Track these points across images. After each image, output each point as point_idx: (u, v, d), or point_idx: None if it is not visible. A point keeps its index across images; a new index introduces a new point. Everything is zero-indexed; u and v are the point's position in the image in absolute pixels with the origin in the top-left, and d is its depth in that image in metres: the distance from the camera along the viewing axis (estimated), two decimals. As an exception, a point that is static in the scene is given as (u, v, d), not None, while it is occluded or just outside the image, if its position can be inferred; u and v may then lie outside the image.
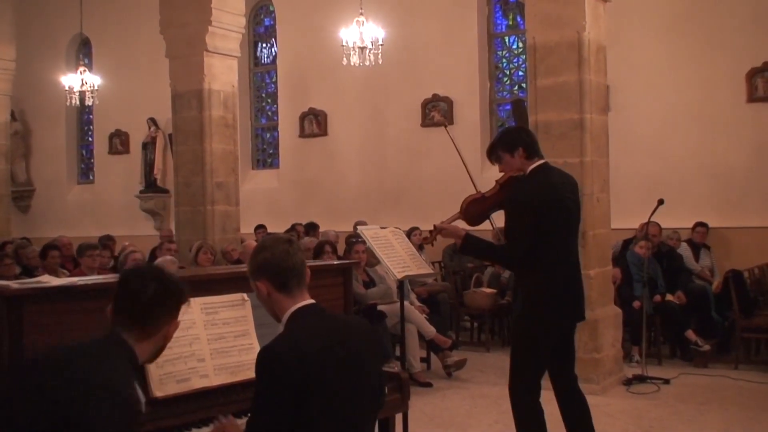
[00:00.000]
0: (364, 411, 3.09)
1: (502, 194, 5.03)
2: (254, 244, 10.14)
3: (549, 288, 4.86)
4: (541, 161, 5.03)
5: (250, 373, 3.79)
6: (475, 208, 5.16)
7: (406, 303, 7.96)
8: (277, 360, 2.83)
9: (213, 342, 3.84)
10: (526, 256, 4.82)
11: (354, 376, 2.99)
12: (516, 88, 13.52)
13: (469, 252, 5.32)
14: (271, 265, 3.07)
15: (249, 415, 2.99)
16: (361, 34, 11.72)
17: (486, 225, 5.31)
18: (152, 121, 16.19)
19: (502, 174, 5.11)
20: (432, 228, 5.22)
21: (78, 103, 14.78)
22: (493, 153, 5.12)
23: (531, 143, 5.05)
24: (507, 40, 13.75)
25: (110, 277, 5.11)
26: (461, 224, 5.21)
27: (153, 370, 3.60)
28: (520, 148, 4.98)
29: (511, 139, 5.08)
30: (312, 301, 3.11)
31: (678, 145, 11.44)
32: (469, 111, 13.24)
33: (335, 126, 14.67)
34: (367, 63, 11.84)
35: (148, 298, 2.84)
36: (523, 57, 13.01)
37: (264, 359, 2.87)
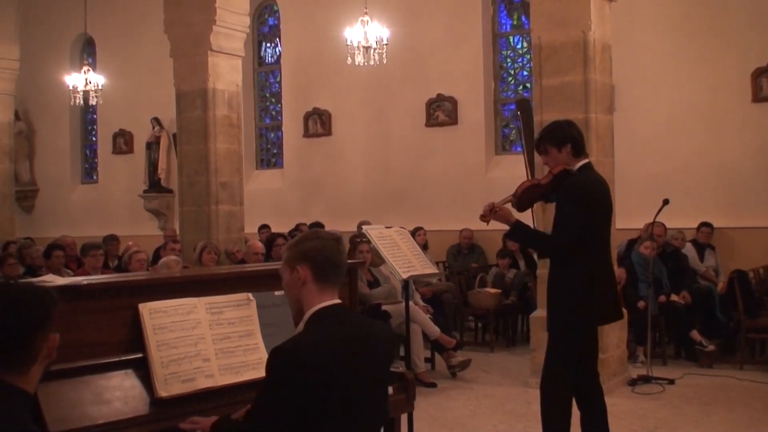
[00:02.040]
0: (372, 420, 3.05)
1: (554, 183, 5.04)
2: (259, 244, 10.18)
3: (591, 283, 4.91)
4: (587, 160, 5.08)
5: (255, 373, 3.80)
6: (530, 194, 5.15)
7: (410, 303, 7.94)
8: (289, 361, 2.79)
9: (218, 342, 3.82)
10: (572, 247, 4.86)
11: (366, 386, 2.96)
12: (520, 87, 13.51)
13: (516, 238, 5.34)
14: (319, 254, 3.03)
15: (251, 406, 2.96)
16: (365, 33, 11.69)
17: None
18: (156, 121, 16.20)
19: (555, 165, 5.08)
20: (490, 206, 5.05)
21: (82, 102, 14.79)
22: (541, 145, 5.12)
23: (579, 140, 5.05)
24: (512, 40, 13.74)
25: (115, 277, 5.12)
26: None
27: (158, 369, 3.58)
28: (568, 144, 4.99)
29: (561, 134, 5.06)
30: (338, 301, 3.06)
31: (683, 145, 11.42)
32: (474, 111, 13.22)
33: (339, 126, 14.66)
34: (372, 63, 11.82)
35: (7, 330, 2.41)
36: (528, 57, 13.00)
37: (276, 358, 2.82)
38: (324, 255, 3.03)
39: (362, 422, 2.97)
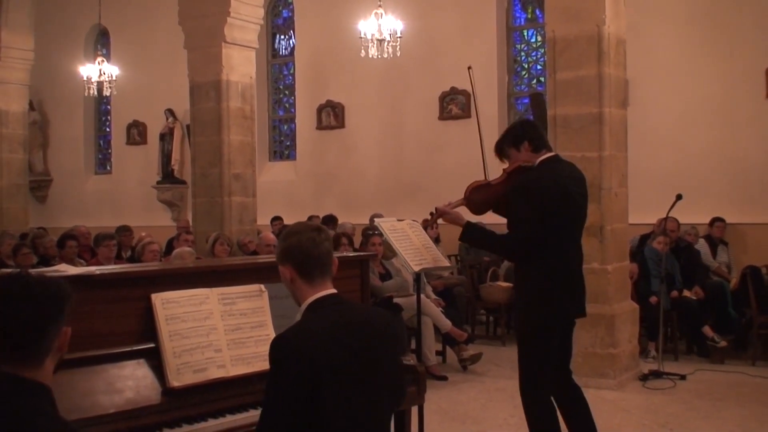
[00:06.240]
0: (380, 405, 3.06)
1: (509, 183, 4.96)
2: (271, 235, 10.20)
3: (550, 281, 4.77)
4: (551, 153, 4.98)
5: (267, 364, 3.79)
6: (479, 196, 5.07)
7: (422, 296, 7.94)
8: (289, 349, 2.82)
9: (230, 333, 3.84)
10: (528, 246, 4.77)
11: (368, 370, 2.96)
12: (534, 81, 13.48)
13: (469, 240, 5.21)
14: (296, 251, 3.06)
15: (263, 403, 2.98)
16: (379, 26, 11.68)
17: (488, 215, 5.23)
18: (170, 112, 16.24)
19: (510, 163, 5.04)
20: (433, 210, 5.08)
21: (96, 93, 14.81)
22: (500, 149, 5.08)
23: (536, 136, 4.99)
24: (526, 34, 13.71)
25: (128, 267, 5.14)
26: (464, 212, 5.10)
27: (170, 359, 3.60)
28: (525, 142, 4.93)
29: (515, 133, 5.03)
30: (333, 291, 3.08)
31: (697, 140, 11.38)
32: (487, 104, 13.17)
33: (353, 118, 14.66)
34: (386, 55, 11.80)
35: (25, 322, 2.33)
36: (542, 50, 12.97)
37: (276, 348, 2.86)
38: (302, 251, 3.06)
39: (372, 403, 2.98)
